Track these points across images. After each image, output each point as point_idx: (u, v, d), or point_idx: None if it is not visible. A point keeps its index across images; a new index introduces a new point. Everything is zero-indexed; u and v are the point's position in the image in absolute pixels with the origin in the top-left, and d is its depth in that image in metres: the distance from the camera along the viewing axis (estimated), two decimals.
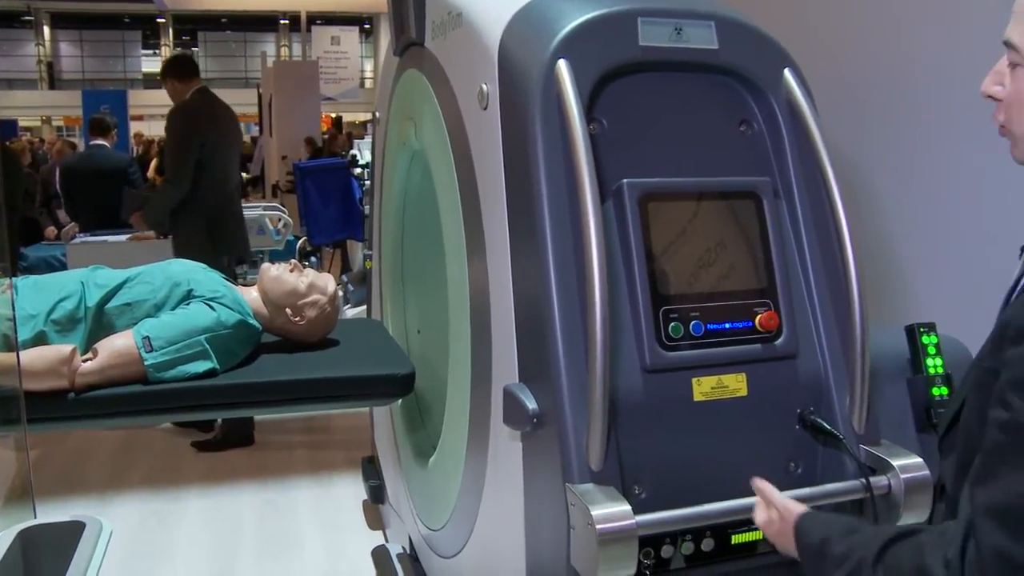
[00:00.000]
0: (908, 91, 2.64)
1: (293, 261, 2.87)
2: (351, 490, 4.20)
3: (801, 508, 1.48)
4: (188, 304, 2.52)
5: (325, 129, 14.35)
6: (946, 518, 1.42)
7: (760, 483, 1.59)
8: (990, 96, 1.31)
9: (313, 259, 7.62)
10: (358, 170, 7.19)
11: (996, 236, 2.05)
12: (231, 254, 4.90)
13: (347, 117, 18.79)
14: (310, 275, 2.78)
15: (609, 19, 1.90)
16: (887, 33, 2.79)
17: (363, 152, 9.03)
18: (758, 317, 1.83)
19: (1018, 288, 1.32)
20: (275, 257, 6.64)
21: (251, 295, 2.70)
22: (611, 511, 1.58)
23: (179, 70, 4.92)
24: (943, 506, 1.42)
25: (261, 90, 15.05)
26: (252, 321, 2.60)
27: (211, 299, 2.52)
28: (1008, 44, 1.26)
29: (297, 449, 4.91)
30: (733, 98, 2.00)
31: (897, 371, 2.09)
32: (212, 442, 4.81)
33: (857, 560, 1.26)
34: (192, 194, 4.68)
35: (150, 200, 5.12)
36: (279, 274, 2.74)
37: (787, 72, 1.99)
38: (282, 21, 29.03)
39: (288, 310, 2.69)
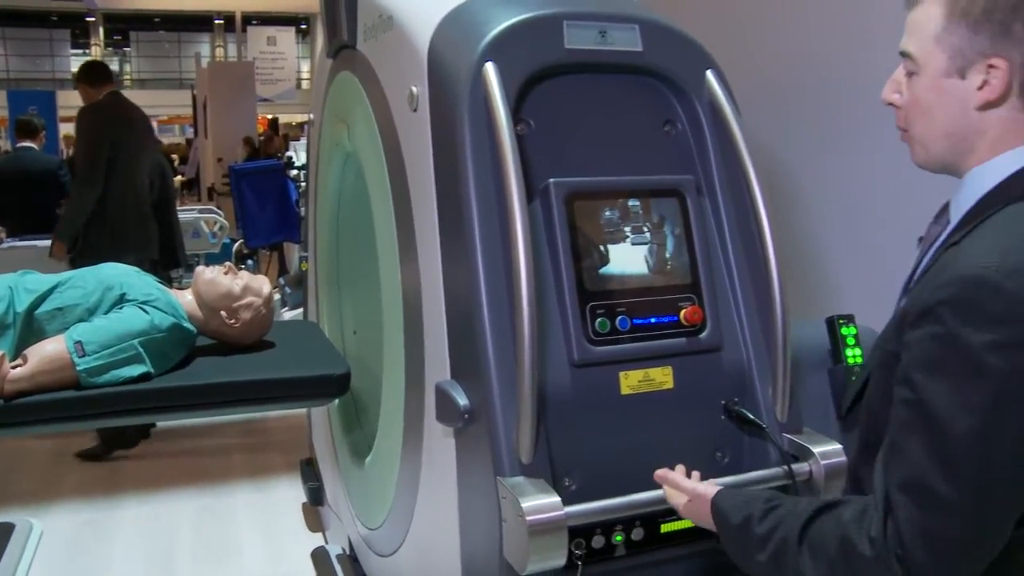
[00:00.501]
0: (828, 92, 2.73)
1: (228, 264, 2.86)
2: (290, 493, 4.18)
3: (714, 488, 1.53)
4: (121, 308, 2.50)
5: (262, 131, 14.21)
6: (848, 488, 1.50)
7: (662, 473, 1.64)
8: (890, 103, 1.40)
9: (250, 262, 7.56)
10: (294, 172, 7.16)
11: (910, 231, 2.13)
12: (146, 258, 4.81)
13: (284, 118, 18.63)
14: (245, 277, 2.77)
15: (535, 22, 1.94)
16: (808, 37, 2.87)
17: (299, 154, 8.98)
18: (683, 312, 1.88)
19: (916, 276, 1.39)
20: (211, 260, 6.57)
21: (185, 298, 2.69)
22: (541, 503, 1.62)
23: (91, 76, 4.88)
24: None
25: (195, 91, 14.85)
26: (186, 324, 2.59)
27: (144, 303, 2.51)
28: (904, 54, 1.34)
29: (235, 453, 4.87)
30: (657, 99, 2.06)
31: (819, 361, 2.16)
32: (94, 451, 4.73)
33: (781, 539, 1.32)
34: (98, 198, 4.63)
35: (64, 209, 4.98)
36: (213, 277, 2.73)
37: (709, 73, 2.05)
38: (217, 21, 28.63)
39: (223, 313, 2.69)
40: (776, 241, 1.90)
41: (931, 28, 1.29)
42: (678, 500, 1.61)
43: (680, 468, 1.65)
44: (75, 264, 4.39)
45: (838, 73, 2.67)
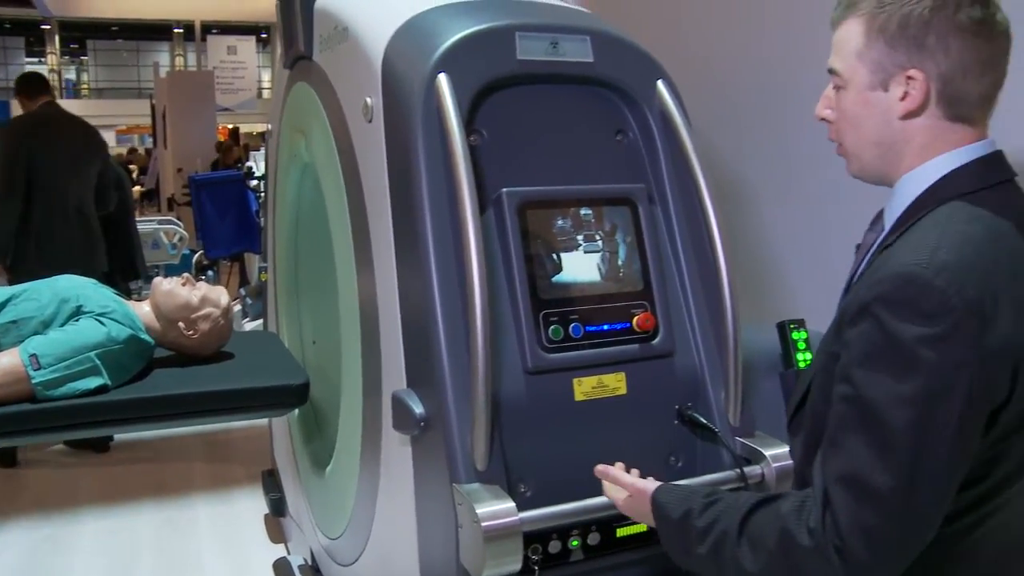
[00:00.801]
0: (783, 99, 2.77)
1: (186, 275, 2.85)
2: (252, 504, 4.16)
3: (653, 484, 1.55)
4: (77, 320, 2.49)
5: (222, 140, 14.12)
6: (796, 489, 1.53)
7: (602, 468, 1.66)
8: (822, 118, 1.45)
9: (210, 273, 7.51)
10: (254, 182, 7.13)
11: (861, 237, 2.18)
12: (91, 272, 4.73)
13: (245, 128, 18.52)
14: (203, 288, 2.76)
15: (488, 34, 1.97)
16: (761, 45, 2.92)
17: (259, 164, 8.93)
18: (635, 318, 1.91)
19: (853, 281, 1.44)
20: (171, 271, 6.53)
21: (143, 310, 2.68)
22: (496, 508, 1.64)
23: (27, 87, 4.86)
24: None
25: (154, 101, 14.72)
26: (144, 336, 2.58)
27: (101, 314, 2.50)
28: (832, 71, 1.40)
29: (196, 465, 4.84)
30: (609, 109, 2.09)
31: (770, 366, 2.20)
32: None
33: (721, 532, 1.35)
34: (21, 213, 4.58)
35: None
36: (171, 288, 2.72)
37: (660, 83, 2.08)
38: (176, 30, 28.40)
39: (181, 324, 2.68)
40: (727, 248, 1.94)
41: (853, 45, 1.35)
42: (618, 495, 1.63)
43: (620, 465, 1.67)
44: (13, 278, 4.35)
45: (792, 81, 2.71)
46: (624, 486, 1.61)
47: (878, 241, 1.41)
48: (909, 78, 1.31)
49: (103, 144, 5.22)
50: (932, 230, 1.26)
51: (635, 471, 1.66)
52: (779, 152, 2.78)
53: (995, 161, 1.35)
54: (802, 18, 2.72)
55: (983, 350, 1.17)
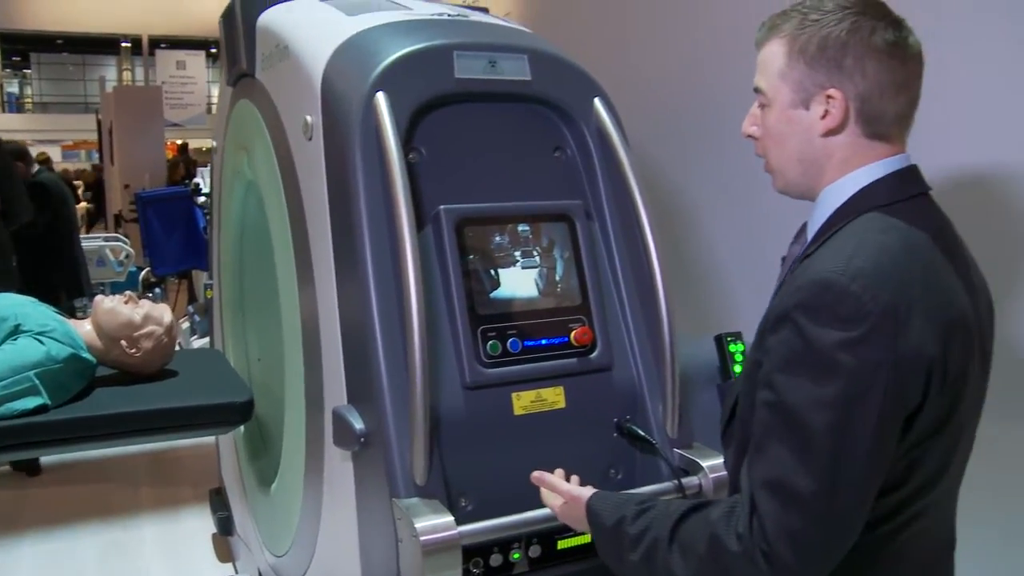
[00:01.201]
0: (723, 114, 2.81)
1: (128, 293, 2.83)
2: (200, 523, 4.12)
3: (589, 491, 1.58)
4: (15, 339, 2.46)
5: (170, 156, 13.96)
6: None
7: (538, 474, 1.68)
8: (749, 136, 1.50)
9: (157, 290, 7.43)
10: (202, 199, 7.07)
11: None
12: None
13: (195, 143, 18.29)
14: (145, 306, 2.74)
15: (426, 53, 1.99)
16: (702, 60, 2.98)
17: (206, 180, 8.86)
18: (573, 333, 1.93)
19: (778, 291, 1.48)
20: (117, 289, 6.45)
21: (84, 328, 2.66)
22: (434, 523, 1.65)
23: None
24: None
25: (100, 116, 14.50)
26: (85, 355, 2.56)
27: (40, 333, 2.47)
28: (757, 90, 1.45)
29: (142, 485, 4.78)
30: (547, 126, 2.12)
31: (709, 378, 2.24)
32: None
33: (653, 539, 1.38)
34: None
35: None
36: (113, 306, 2.70)
37: (597, 101, 2.12)
38: (124, 44, 28.03)
39: (123, 342, 2.66)
40: (663, 262, 1.97)
41: (776, 65, 1.40)
42: (554, 502, 1.65)
43: (559, 472, 1.69)
44: None
45: (730, 97, 2.76)
46: (560, 493, 1.63)
47: (800, 253, 1.46)
48: (829, 97, 1.36)
49: None
50: (849, 239, 1.30)
51: (575, 478, 1.68)
52: (718, 166, 2.83)
53: (910, 175, 1.40)
54: (739, 35, 2.78)
55: (897, 354, 1.21)
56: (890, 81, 1.35)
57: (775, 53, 1.40)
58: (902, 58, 1.35)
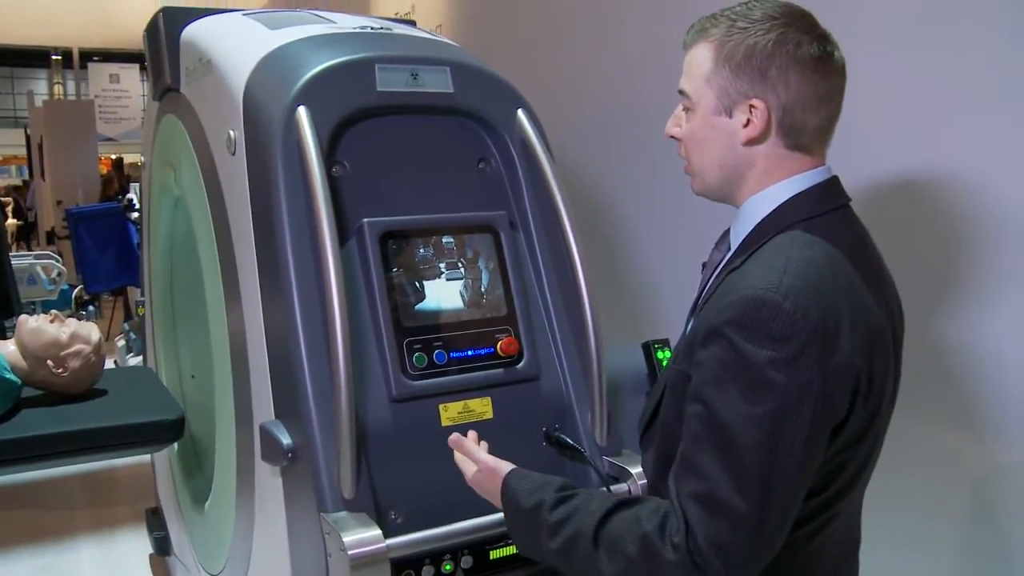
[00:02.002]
0: (648, 122, 2.85)
1: (54, 312, 2.79)
2: (137, 544, 4.05)
3: (507, 466, 1.56)
4: None
5: (105, 171, 13.73)
6: None
7: (456, 437, 1.66)
8: (671, 136, 1.51)
9: (91, 308, 7.30)
10: (135, 214, 6.97)
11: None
12: None
13: (130, 158, 17.98)
14: (72, 325, 2.70)
15: (348, 66, 1.99)
16: (630, 70, 3.01)
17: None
18: (499, 343, 1.94)
19: (701, 298, 1.50)
20: (49, 308, 6.32)
21: (7, 348, 2.61)
22: (362, 536, 1.65)
23: None
24: None
25: (29, 131, 14.21)
26: (8, 375, 2.51)
27: None
28: (682, 92, 1.46)
29: (77, 507, 4.69)
30: (471, 138, 2.13)
31: (637, 385, 2.25)
32: None
33: (574, 531, 1.37)
34: None
35: None
36: (38, 326, 2.65)
37: (520, 112, 2.13)
38: (54, 57, 27.48)
39: (50, 362, 2.61)
40: (587, 271, 1.98)
41: (702, 69, 1.41)
42: (467, 468, 1.62)
43: (472, 435, 1.68)
44: None
45: (659, 103, 2.79)
46: (476, 461, 1.61)
47: (724, 261, 1.48)
48: (752, 106, 1.37)
49: None
50: (778, 255, 1.31)
51: (484, 444, 1.66)
52: (645, 174, 2.86)
53: (830, 188, 1.42)
54: (666, 43, 2.81)
55: (826, 369, 1.23)
56: (812, 94, 1.36)
57: (702, 57, 1.41)
58: (826, 72, 1.36)
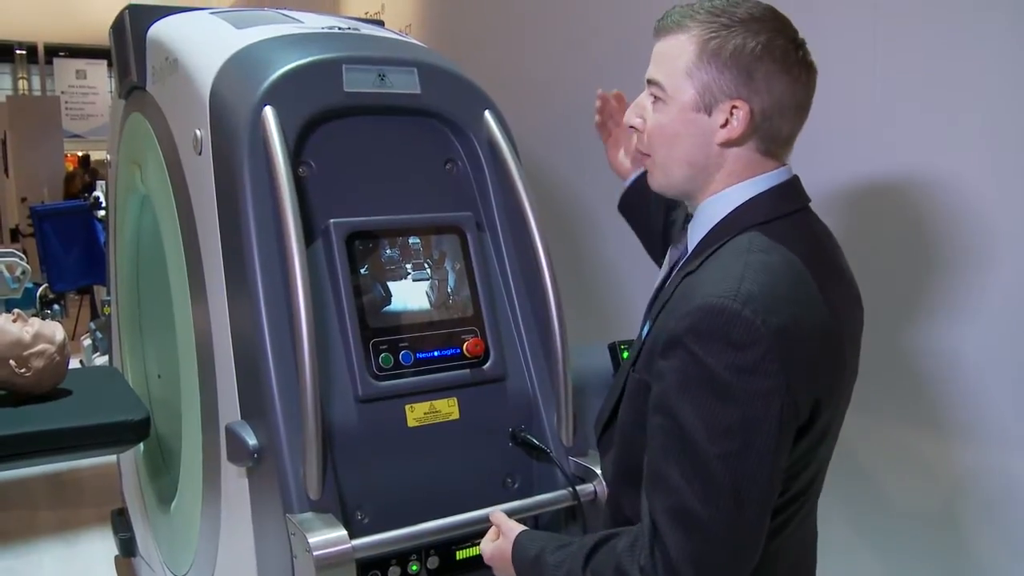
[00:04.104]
0: None
1: (16, 311, 2.76)
2: (102, 546, 4.03)
3: (521, 527, 1.55)
4: None
5: (71, 168, 13.58)
6: (609, 512, 1.59)
7: (498, 516, 1.64)
8: (632, 127, 1.47)
9: (56, 307, 7.21)
10: (102, 212, 6.90)
11: None
12: None
13: (97, 155, 17.75)
14: (36, 324, 2.68)
15: (314, 67, 1.99)
16: (599, 68, 3.03)
17: None
18: (465, 344, 1.95)
19: (657, 298, 1.49)
20: (13, 307, 6.23)
21: None
22: (327, 537, 1.64)
23: None
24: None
25: None
26: None
27: None
28: (651, 81, 1.42)
29: (41, 509, 4.64)
30: (438, 139, 2.13)
31: (603, 386, 2.25)
32: None
33: (567, 571, 1.36)
34: None
35: None
36: (1, 325, 2.63)
37: (487, 113, 2.13)
38: (18, 51, 27.13)
39: (12, 362, 2.59)
40: (553, 272, 1.98)
41: (683, 61, 1.35)
42: (487, 546, 1.61)
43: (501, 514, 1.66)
44: None
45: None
46: (503, 531, 1.57)
47: (681, 262, 1.46)
48: (734, 107, 1.33)
49: None
50: (735, 261, 1.29)
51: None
52: (613, 173, 2.87)
53: (790, 189, 1.40)
54: (633, 42, 2.83)
55: (790, 374, 1.21)
56: (791, 102, 1.35)
57: (683, 48, 1.36)
58: (805, 82, 1.36)
